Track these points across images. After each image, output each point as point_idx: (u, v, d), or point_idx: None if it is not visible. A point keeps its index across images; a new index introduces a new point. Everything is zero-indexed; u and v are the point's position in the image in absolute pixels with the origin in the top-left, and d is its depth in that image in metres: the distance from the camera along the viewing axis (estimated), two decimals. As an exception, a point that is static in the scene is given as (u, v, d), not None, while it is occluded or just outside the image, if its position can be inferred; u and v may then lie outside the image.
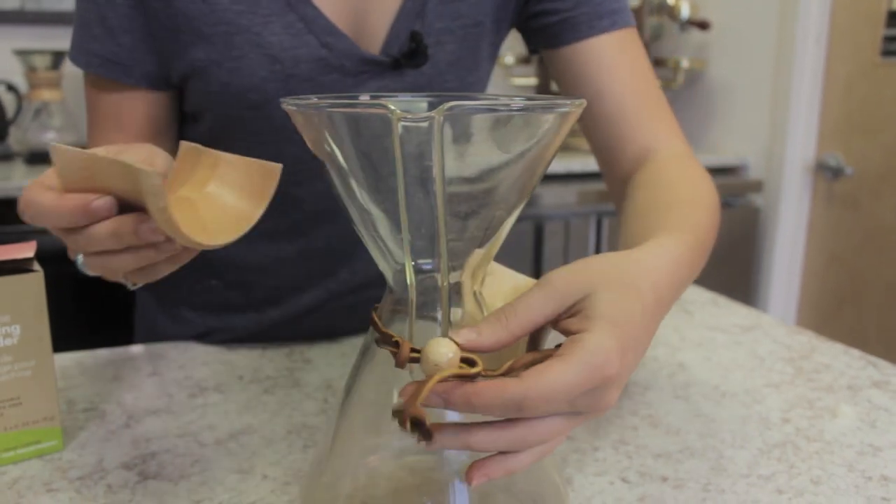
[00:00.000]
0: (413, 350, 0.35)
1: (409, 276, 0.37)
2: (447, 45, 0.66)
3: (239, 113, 0.64)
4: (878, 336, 1.90)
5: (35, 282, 0.49)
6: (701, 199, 0.57)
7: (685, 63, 2.16)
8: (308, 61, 0.63)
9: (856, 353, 0.72)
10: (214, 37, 0.62)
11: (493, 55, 0.72)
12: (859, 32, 1.89)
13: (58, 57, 1.82)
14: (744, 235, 2.11)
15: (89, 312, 1.65)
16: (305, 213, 0.71)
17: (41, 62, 1.78)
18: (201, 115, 0.68)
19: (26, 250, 0.49)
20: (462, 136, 0.32)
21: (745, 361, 0.70)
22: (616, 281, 0.37)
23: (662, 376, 0.67)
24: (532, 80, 2.29)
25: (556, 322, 0.37)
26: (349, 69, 0.64)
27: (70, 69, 2.01)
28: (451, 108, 0.30)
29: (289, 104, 0.36)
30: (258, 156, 0.67)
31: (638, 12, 2.16)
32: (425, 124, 0.30)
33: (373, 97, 0.40)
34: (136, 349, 0.72)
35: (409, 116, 0.30)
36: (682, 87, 2.30)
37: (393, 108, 0.30)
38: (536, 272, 1.89)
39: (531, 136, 0.35)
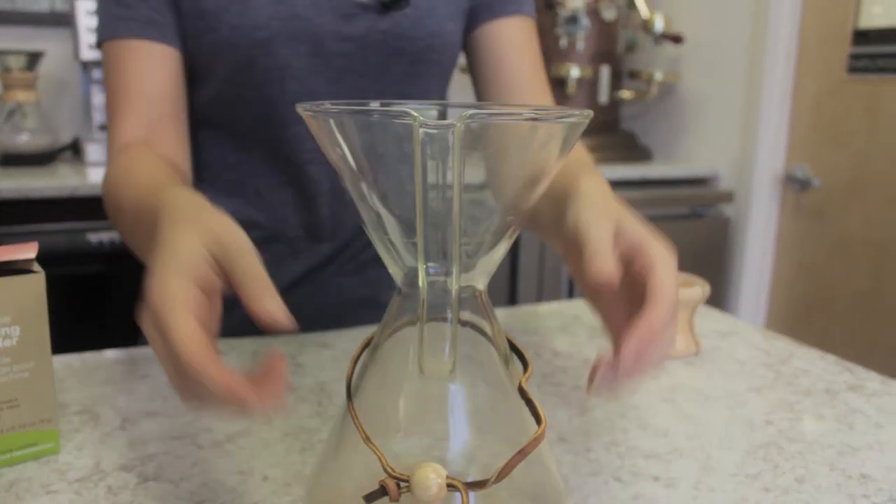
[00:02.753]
0: (402, 481, 0.37)
1: (422, 280, 0.38)
2: None
3: (248, 52, 0.72)
4: (846, 344, 1.95)
5: (36, 283, 0.49)
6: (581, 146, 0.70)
7: (659, 76, 2.20)
8: (304, 3, 0.72)
9: (831, 358, 0.75)
10: None
11: (464, 19, 0.83)
12: (827, 50, 1.94)
13: (33, 58, 1.79)
14: (714, 245, 2.15)
15: (75, 316, 1.63)
16: (307, 153, 0.79)
17: (16, 63, 1.76)
18: (212, 69, 0.75)
19: (28, 251, 0.49)
20: (478, 144, 0.33)
21: (726, 366, 0.72)
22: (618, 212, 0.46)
23: (648, 380, 0.68)
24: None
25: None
26: (339, 10, 0.73)
27: (47, 70, 1.99)
28: (471, 117, 0.31)
29: (304, 109, 0.37)
30: (265, 97, 0.75)
31: (613, 25, 2.20)
32: (447, 131, 0.31)
33: (383, 104, 0.41)
34: (125, 353, 0.72)
35: (431, 123, 0.31)
36: (655, 99, 2.35)
37: (416, 114, 0.31)
38: (512, 275, 1.91)
39: (542, 144, 0.36)
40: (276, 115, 0.76)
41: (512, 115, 0.33)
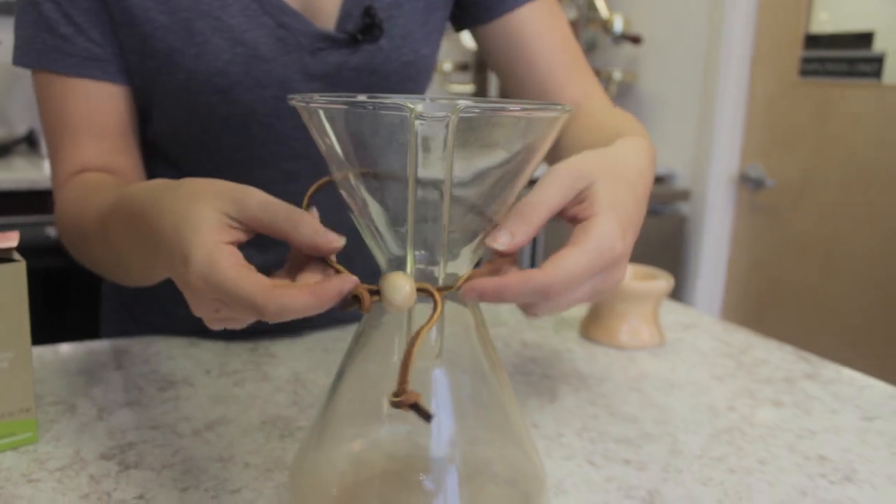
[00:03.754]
0: (373, 292, 0.37)
1: (410, 267, 0.39)
2: (398, 18, 0.68)
3: (206, 100, 0.65)
4: (797, 338, 2.02)
5: (17, 272, 0.49)
6: (635, 122, 0.64)
7: (617, 75, 2.24)
8: (267, 42, 0.64)
9: (789, 348, 0.78)
10: (175, 24, 0.63)
11: (442, 28, 0.75)
12: (780, 54, 2.01)
13: (-13, 47, 1.75)
14: (671, 242, 2.20)
15: (34, 310, 1.60)
16: (274, 195, 0.72)
17: (-31, 52, 1.72)
18: (165, 110, 0.67)
19: (8, 240, 0.49)
20: (469, 135, 0.35)
21: (690, 356, 0.75)
22: (611, 172, 0.42)
23: (616, 369, 0.70)
24: (469, 87, 2.33)
25: (563, 210, 0.41)
26: (307, 46, 0.66)
27: (0, 61, 1.94)
28: (465, 110, 0.32)
29: (297, 101, 0.38)
30: (227, 142, 0.68)
31: (573, 25, 2.23)
32: (441, 122, 0.32)
33: (370, 96, 0.42)
34: (98, 344, 0.72)
35: (427, 114, 0.32)
36: (614, 98, 2.39)
37: (411, 105, 0.32)
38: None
39: (527, 136, 0.38)
40: (240, 159, 0.70)
41: (504, 108, 0.34)
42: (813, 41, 1.92)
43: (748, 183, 2.10)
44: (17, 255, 0.49)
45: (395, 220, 0.39)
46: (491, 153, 0.37)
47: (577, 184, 0.41)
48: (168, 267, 0.41)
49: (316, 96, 0.39)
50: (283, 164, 0.70)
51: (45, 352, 0.69)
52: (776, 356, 0.76)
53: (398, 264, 0.41)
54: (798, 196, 1.99)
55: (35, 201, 1.58)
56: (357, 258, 0.83)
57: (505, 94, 0.77)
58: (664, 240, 2.18)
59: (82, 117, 0.64)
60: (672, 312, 0.89)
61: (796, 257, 2.01)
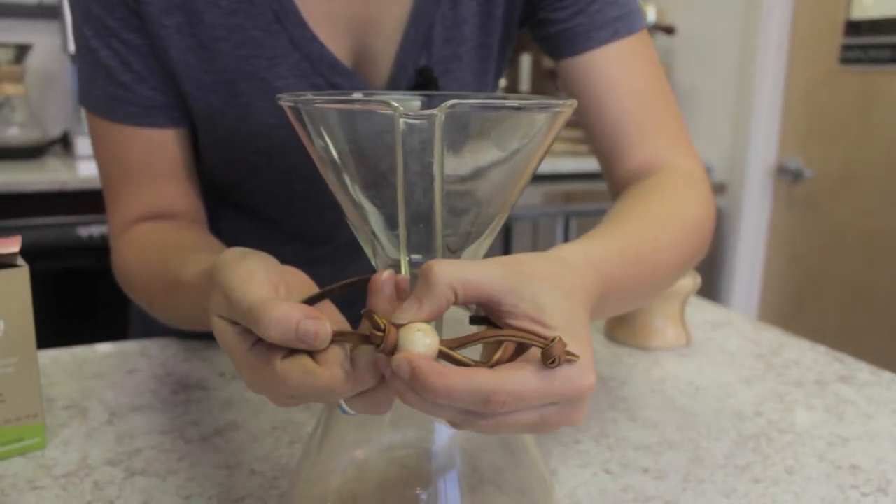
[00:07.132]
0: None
1: (405, 272, 0.38)
2: (455, 72, 0.63)
3: (246, 156, 0.63)
4: (837, 334, 1.96)
5: (20, 277, 0.48)
6: (672, 216, 0.52)
7: (651, 67, 2.20)
8: None
9: (822, 348, 0.75)
10: (218, 84, 0.59)
11: (501, 70, 0.70)
12: (819, 41, 1.94)
13: (21, 51, 1.78)
14: (707, 236, 2.15)
15: (66, 310, 1.62)
16: (317, 240, 0.72)
17: (4, 56, 1.75)
18: (209, 157, 0.66)
19: (11, 245, 0.48)
20: (460, 134, 0.33)
21: (717, 357, 0.72)
22: (558, 284, 0.35)
23: (638, 371, 0.68)
24: (501, 82, 2.31)
25: (498, 315, 0.34)
26: None
27: (35, 63, 1.98)
28: (452, 106, 0.31)
29: (285, 100, 0.37)
30: (267, 190, 0.67)
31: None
32: (426, 121, 0.31)
33: (366, 94, 0.41)
34: (115, 347, 0.71)
35: (412, 113, 0.31)
36: (647, 91, 2.34)
37: (396, 104, 0.31)
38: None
39: (525, 134, 0.36)
40: (280, 205, 0.69)
41: (494, 104, 0.32)
42: (854, 27, 1.86)
43: (786, 175, 2.04)
44: (20, 261, 0.49)
45: (392, 223, 0.38)
46: (487, 151, 0.35)
47: (502, 291, 0.34)
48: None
49: (309, 95, 0.37)
50: (325, 212, 0.69)
51: (62, 354, 0.69)
52: (808, 357, 0.73)
53: (397, 268, 0.40)
54: (838, 188, 1.93)
55: (68, 202, 1.60)
56: (351, 265, 0.80)
57: (539, 89, 0.73)
58: (700, 234, 2.13)
59: (142, 163, 0.62)
60: (701, 311, 0.86)
61: (836, 251, 1.95)
